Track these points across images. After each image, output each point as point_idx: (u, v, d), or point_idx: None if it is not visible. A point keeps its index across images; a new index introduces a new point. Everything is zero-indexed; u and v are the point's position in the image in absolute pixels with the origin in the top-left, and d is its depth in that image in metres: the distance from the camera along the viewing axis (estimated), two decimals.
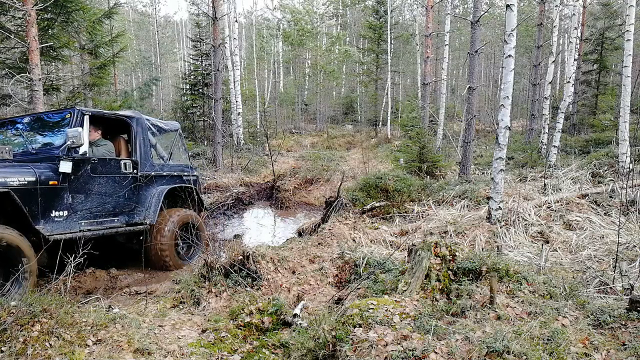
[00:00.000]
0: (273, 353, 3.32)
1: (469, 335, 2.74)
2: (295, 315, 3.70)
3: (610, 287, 3.78)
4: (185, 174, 6.28)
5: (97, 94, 11.29)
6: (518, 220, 5.98)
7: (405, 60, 30.08)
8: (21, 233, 3.92)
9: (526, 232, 5.78)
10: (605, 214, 6.28)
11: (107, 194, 4.98)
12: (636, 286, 3.56)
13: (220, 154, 12.68)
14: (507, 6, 5.96)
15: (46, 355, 2.74)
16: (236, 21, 19.12)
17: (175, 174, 6.07)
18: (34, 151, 4.71)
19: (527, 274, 3.60)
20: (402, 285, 3.59)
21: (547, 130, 11.56)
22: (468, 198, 7.21)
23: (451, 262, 3.64)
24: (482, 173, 10.73)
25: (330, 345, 2.92)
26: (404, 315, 3.09)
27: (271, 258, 4.73)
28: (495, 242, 5.47)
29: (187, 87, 17.75)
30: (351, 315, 3.10)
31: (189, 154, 7.02)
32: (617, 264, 4.04)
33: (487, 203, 6.20)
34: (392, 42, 23.42)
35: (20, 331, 2.82)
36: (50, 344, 2.82)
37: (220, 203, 9.70)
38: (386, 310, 3.12)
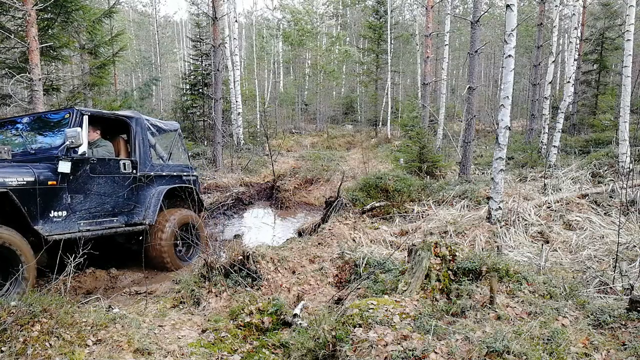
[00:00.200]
0: (273, 353, 3.32)
1: (469, 335, 2.74)
2: (295, 315, 3.70)
3: (610, 287, 3.78)
4: (185, 174, 6.27)
5: (97, 94, 11.29)
6: (518, 220, 5.98)
7: (405, 60, 30.08)
8: (20, 233, 3.91)
9: (526, 232, 5.78)
10: (605, 214, 6.28)
11: (106, 194, 4.98)
12: (636, 286, 3.56)
13: (220, 154, 12.68)
14: (507, 6, 5.96)
15: (46, 355, 2.74)
16: (236, 21, 19.12)
17: (175, 174, 6.06)
18: (33, 151, 4.70)
19: (527, 274, 3.60)
20: (402, 285, 3.60)
21: (547, 130, 11.56)
22: (468, 198, 7.21)
23: (451, 262, 3.64)
24: (482, 173, 10.73)
25: (330, 345, 2.92)
26: (404, 315, 3.09)
27: (271, 258, 4.73)
28: (495, 242, 5.47)
29: (187, 87, 17.75)
30: (351, 315, 3.10)
31: (189, 154, 7.02)
32: (617, 264, 4.04)
33: (487, 203, 6.20)
34: (392, 42, 23.42)
35: (20, 331, 2.82)
36: (50, 344, 2.82)
37: (220, 203, 9.70)
38: (386, 310, 3.12)
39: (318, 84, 29.13)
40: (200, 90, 17.04)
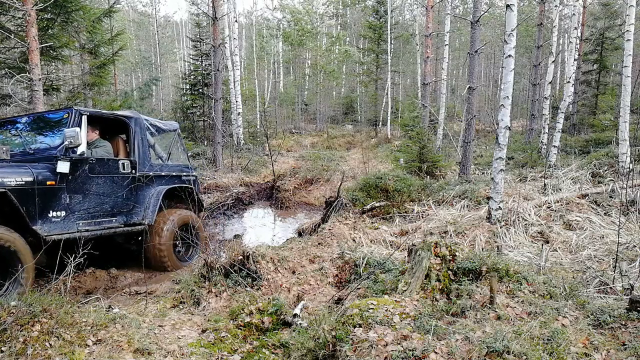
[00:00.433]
0: (273, 353, 3.32)
1: (469, 335, 2.74)
2: (295, 315, 3.70)
3: (610, 287, 3.78)
4: (184, 174, 6.26)
5: (97, 93, 11.29)
6: (518, 220, 5.98)
7: (405, 60, 30.08)
8: (18, 233, 3.90)
9: (526, 232, 5.78)
10: (605, 214, 6.28)
11: (105, 194, 4.97)
12: (636, 286, 3.56)
13: (220, 154, 12.67)
14: (507, 6, 5.96)
15: (46, 355, 2.74)
16: (236, 21, 19.12)
17: (174, 174, 6.05)
18: (32, 151, 4.70)
19: (527, 274, 3.60)
20: (402, 285, 3.59)
21: (547, 130, 11.56)
22: (468, 198, 7.21)
23: (451, 262, 3.64)
24: (482, 173, 10.73)
25: (330, 345, 2.92)
26: (404, 315, 3.09)
27: (271, 258, 4.73)
28: (495, 242, 5.47)
29: (187, 87, 17.75)
30: (351, 315, 3.10)
31: (188, 154, 7.02)
32: (617, 264, 4.04)
33: (487, 203, 6.20)
34: (392, 42, 23.41)
35: (20, 331, 2.82)
36: (50, 344, 2.82)
37: (220, 203, 9.70)
38: (386, 310, 3.12)
39: (318, 84, 29.13)
40: (200, 90, 17.04)
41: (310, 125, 28.19)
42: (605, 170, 8.22)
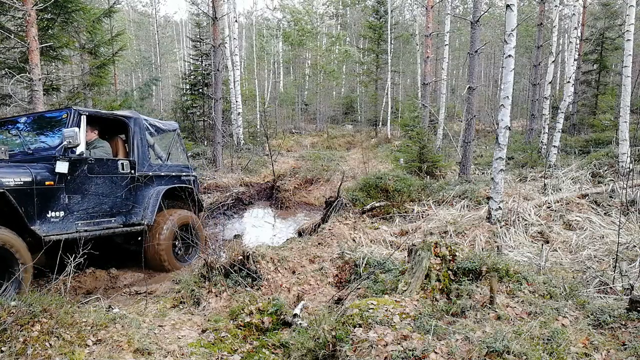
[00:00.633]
0: (273, 353, 3.32)
1: (469, 335, 2.74)
2: (295, 315, 3.70)
3: (610, 287, 3.78)
4: (184, 174, 6.25)
5: (97, 93, 11.29)
6: (518, 220, 5.98)
7: (405, 60, 30.07)
8: (17, 234, 3.89)
9: (526, 232, 5.78)
10: (605, 214, 6.28)
11: (104, 195, 4.96)
12: (636, 286, 3.56)
13: (220, 154, 12.68)
14: (507, 6, 5.96)
15: (46, 355, 2.74)
16: (236, 21, 19.12)
17: (174, 174, 6.04)
18: (31, 151, 4.69)
19: (527, 274, 3.60)
20: (402, 285, 3.59)
21: (547, 130, 11.56)
22: (468, 198, 7.21)
23: (451, 262, 3.64)
24: (482, 173, 10.73)
25: (330, 345, 2.92)
26: (404, 315, 3.09)
27: (271, 258, 4.73)
28: (495, 242, 5.47)
29: (187, 87, 17.75)
30: (351, 315, 3.10)
31: (188, 154, 7.01)
32: (617, 264, 4.04)
33: (487, 203, 6.20)
34: (392, 42, 23.42)
35: (20, 331, 2.82)
36: (50, 344, 2.82)
37: (220, 203, 9.70)
38: (386, 310, 3.12)
39: (318, 84, 29.13)
40: (200, 90, 17.04)
41: (310, 125, 28.19)
42: (605, 170, 8.22)
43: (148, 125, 5.77)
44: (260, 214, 10.59)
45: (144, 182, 5.49)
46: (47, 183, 4.33)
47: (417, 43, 24.31)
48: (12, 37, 7.76)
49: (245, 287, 4.20)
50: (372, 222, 6.72)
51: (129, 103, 11.78)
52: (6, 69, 8.44)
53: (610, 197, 6.72)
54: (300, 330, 3.37)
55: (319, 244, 5.66)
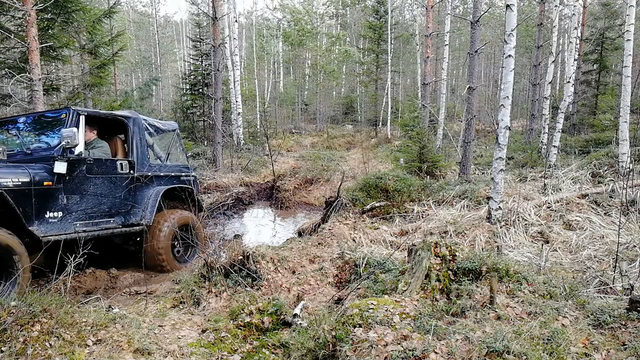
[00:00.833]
0: (273, 353, 3.32)
1: (469, 335, 2.74)
2: (295, 315, 3.70)
3: (610, 287, 3.78)
4: (183, 174, 6.23)
5: (97, 94, 11.28)
6: (518, 220, 5.98)
7: (405, 60, 30.08)
8: (15, 234, 3.87)
9: (526, 232, 5.78)
10: (605, 214, 6.28)
11: (102, 195, 4.94)
12: (636, 286, 3.56)
13: (220, 154, 12.68)
14: (507, 6, 5.96)
15: (46, 355, 2.74)
16: (236, 21, 19.12)
17: (173, 174, 6.02)
18: (29, 151, 4.67)
19: (527, 274, 3.59)
20: (402, 285, 3.59)
21: (547, 130, 11.56)
22: (468, 198, 7.21)
23: (451, 262, 3.64)
24: (482, 173, 10.73)
25: (330, 345, 2.92)
26: (404, 315, 3.09)
27: (271, 258, 4.73)
28: (495, 242, 5.47)
29: (187, 87, 17.75)
30: (351, 315, 3.10)
31: (188, 154, 7.00)
32: (617, 264, 4.04)
33: (487, 203, 6.20)
34: (392, 42, 23.42)
35: (20, 331, 2.82)
36: (50, 344, 2.82)
37: (220, 203, 9.70)
38: (386, 310, 3.12)
39: (318, 84, 29.13)
40: (200, 90, 17.04)
41: (310, 125, 28.19)
42: (605, 170, 8.22)
43: (147, 125, 5.75)
44: (260, 214, 10.59)
45: (143, 183, 5.48)
46: (45, 183, 4.31)
47: (417, 43, 24.31)
48: (12, 37, 7.76)
49: (245, 287, 4.20)
50: (372, 222, 6.72)
51: (129, 103, 11.78)
52: (6, 69, 8.44)
53: (610, 197, 6.72)
54: (300, 330, 3.37)
55: (319, 244, 5.66)
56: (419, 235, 5.89)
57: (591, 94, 17.20)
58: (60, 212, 4.46)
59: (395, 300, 3.32)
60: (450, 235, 5.80)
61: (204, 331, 3.51)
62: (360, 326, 2.96)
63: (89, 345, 2.94)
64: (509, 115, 6.01)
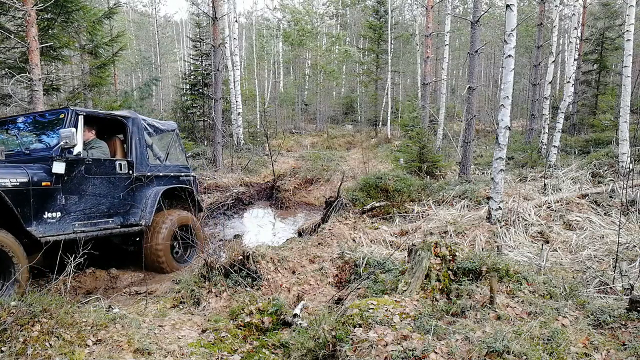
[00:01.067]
0: (273, 353, 3.32)
1: (469, 335, 2.74)
2: (295, 315, 3.70)
3: (610, 287, 3.78)
4: (183, 174, 6.22)
5: (97, 94, 11.29)
6: (518, 220, 5.98)
7: (405, 60, 30.08)
8: (12, 235, 3.86)
9: (526, 232, 5.78)
10: (605, 214, 6.28)
11: (101, 195, 4.93)
12: (636, 286, 3.56)
13: (220, 154, 12.68)
14: (507, 6, 5.96)
15: (46, 355, 2.74)
16: (236, 21, 19.12)
17: (172, 174, 6.01)
18: (27, 152, 4.66)
19: (527, 274, 3.59)
20: (402, 285, 3.59)
21: (547, 130, 11.56)
22: (468, 198, 7.21)
23: (451, 262, 3.64)
24: (482, 173, 10.73)
25: (330, 345, 2.92)
26: (404, 315, 3.09)
27: (271, 258, 4.73)
28: (495, 242, 5.46)
29: (187, 87, 17.75)
30: (351, 315, 3.10)
31: (188, 154, 6.99)
32: (617, 264, 4.04)
33: (487, 203, 6.20)
34: (392, 42, 23.42)
35: (20, 331, 2.82)
36: (50, 344, 2.82)
37: (220, 203, 9.70)
38: (386, 310, 3.12)
39: (318, 84, 29.12)
40: (200, 90, 17.05)
41: (310, 125, 28.18)
42: (605, 170, 8.22)
43: (146, 125, 5.74)
44: (260, 214, 10.59)
45: (142, 183, 5.46)
46: (43, 184, 4.29)
47: (417, 43, 24.31)
48: (12, 37, 7.76)
49: (245, 287, 4.20)
50: (372, 222, 6.72)
51: (129, 103, 11.79)
52: (6, 69, 8.44)
53: (610, 197, 6.72)
54: (300, 330, 3.37)
55: (319, 244, 5.66)
56: (419, 235, 5.89)
57: (591, 94, 17.20)
58: (59, 213, 4.45)
59: (395, 300, 3.32)
60: (450, 235, 5.80)
61: (204, 331, 3.51)
62: (360, 326, 2.96)
63: (89, 345, 2.94)
64: (509, 115, 6.01)
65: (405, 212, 7.13)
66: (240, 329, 3.59)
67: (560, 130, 10.06)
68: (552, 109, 13.63)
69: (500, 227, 5.77)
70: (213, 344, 3.31)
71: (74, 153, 4.56)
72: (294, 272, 4.83)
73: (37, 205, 4.25)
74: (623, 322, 2.91)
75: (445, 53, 16.03)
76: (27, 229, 4.05)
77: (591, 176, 8.14)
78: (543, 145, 11.55)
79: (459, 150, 12.16)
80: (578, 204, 6.58)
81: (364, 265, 4.70)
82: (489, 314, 3.05)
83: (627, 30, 8.15)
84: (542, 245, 5.04)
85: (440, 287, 3.50)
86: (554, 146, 9.90)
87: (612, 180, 7.43)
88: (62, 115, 4.65)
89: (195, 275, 4.33)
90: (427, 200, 7.47)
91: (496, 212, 5.90)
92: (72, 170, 4.57)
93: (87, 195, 4.77)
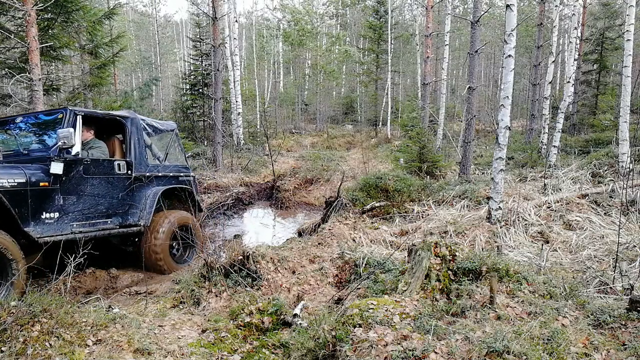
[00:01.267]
0: (273, 353, 3.32)
1: (469, 335, 2.74)
2: (295, 315, 3.70)
3: (610, 287, 3.78)
4: (182, 174, 6.20)
5: (97, 94, 11.29)
6: (518, 220, 5.98)
7: (405, 60, 30.08)
8: (10, 235, 3.85)
9: (526, 232, 5.78)
10: (605, 214, 6.28)
11: (100, 195, 4.91)
12: (636, 286, 3.56)
13: (220, 154, 12.67)
14: (507, 6, 5.96)
15: (46, 355, 2.74)
16: (236, 21, 19.12)
17: (172, 174, 6.00)
18: (25, 152, 4.65)
19: (527, 274, 3.59)
20: (402, 285, 3.59)
21: (547, 130, 11.56)
22: (468, 198, 7.21)
23: (451, 262, 3.64)
24: (482, 173, 10.73)
25: (330, 345, 2.92)
26: (404, 315, 3.09)
27: (271, 258, 4.73)
28: (495, 242, 5.46)
29: (187, 87, 17.75)
30: (351, 315, 3.10)
31: (188, 154, 6.99)
32: (617, 264, 4.04)
33: (487, 203, 6.20)
34: (392, 42, 23.42)
35: (20, 331, 2.82)
36: (50, 344, 2.82)
37: (220, 203, 9.69)
38: (386, 310, 3.12)
39: (318, 84, 29.11)
40: (200, 90, 17.05)
41: (310, 125, 28.18)
42: (605, 170, 8.22)
43: (145, 125, 5.72)
44: (260, 214, 10.59)
45: (141, 183, 5.45)
46: (41, 184, 4.27)
47: (417, 43, 24.31)
48: (12, 37, 7.76)
49: (245, 287, 4.20)
50: (372, 222, 6.72)
51: (129, 103, 11.79)
52: (6, 69, 8.44)
53: (610, 197, 6.72)
54: (300, 330, 3.37)
55: (319, 244, 5.65)
56: (419, 235, 5.89)
57: (591, 94, 17.20)
58: (57, 213, 4.44)
59: (395, 300, 3.32)
60: (450, 235, 5.80)
61: (204, 331, 3.51)
62: (360, 326, 2.96)
63: (89, 345, 2.94)
64: (509, 115, 6.01)
65: (405, 212, 7.13)
66: (240, 329, 3.59)
67: (560, 130, 10.06)
68: (552, 109, 13.63)
69: (500, 227, 5.77)
70: (213, 344, 3.31)
71: (72, 153, 4.55)
72: (294, 272, 4.83)
73: (35, 206, 4.23)
74: (623, 322, 2.91)
75: (445, 53, 16.02)
76: (25, 229, 4.04)
77: (591, 176, 8.14)
78: (543, 145, 11.55)
79: (459, 150, 12.16)
80: (578, 204, 6.58)
81: (364, 265, 4.70)
82: (489, 314, 3.05)
83: (627, 30, 8.15)
84: (542, 245, 5.04)
85: (440, 287, 3.50)
86: (554, 146, 9.90)
87: (612, 180, 7.43)
88: (60, 115, 4.63)
89: (195, 275, 4.33)
90: (427, 200, 7.47)
91: (496, 212, 5.90)
92: (71, 170, 4.56)
93: (85, 195, 4.75)
